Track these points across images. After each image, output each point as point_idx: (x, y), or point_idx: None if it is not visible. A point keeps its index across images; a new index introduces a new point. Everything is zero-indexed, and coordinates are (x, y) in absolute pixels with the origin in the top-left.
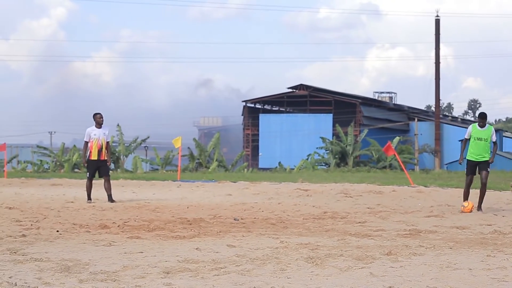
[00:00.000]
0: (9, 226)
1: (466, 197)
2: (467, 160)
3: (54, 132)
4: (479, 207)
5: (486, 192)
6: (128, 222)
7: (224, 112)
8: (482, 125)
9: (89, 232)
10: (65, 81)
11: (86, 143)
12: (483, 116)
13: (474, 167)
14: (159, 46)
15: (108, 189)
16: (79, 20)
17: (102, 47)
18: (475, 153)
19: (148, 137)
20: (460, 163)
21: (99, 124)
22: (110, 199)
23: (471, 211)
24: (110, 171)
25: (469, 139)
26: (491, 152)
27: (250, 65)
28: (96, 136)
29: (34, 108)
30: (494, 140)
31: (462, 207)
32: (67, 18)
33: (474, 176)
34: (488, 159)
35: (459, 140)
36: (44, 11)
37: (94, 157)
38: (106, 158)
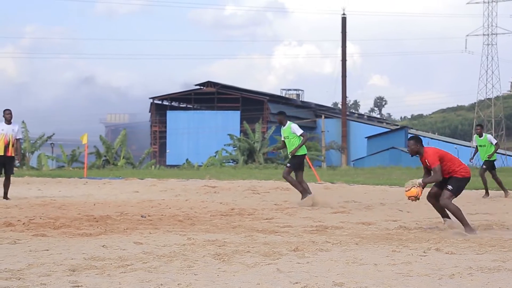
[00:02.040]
0: None
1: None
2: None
3: None
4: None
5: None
6: (33, 220)
7: (131, 109)
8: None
9: None
10: None
11: None
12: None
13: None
14: (63, 42)
15: (6, 186)
16: None
17: (6, 43)
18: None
19: (54, 134)
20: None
21: (7, 120)
22: (6, 197)
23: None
24: (16, 168)
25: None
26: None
27: (156, 62)
28: (4, 131)
29: None
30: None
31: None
32: None
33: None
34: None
35: (366, 137)
36: None
37: (0, 152)
38: (12, 154)
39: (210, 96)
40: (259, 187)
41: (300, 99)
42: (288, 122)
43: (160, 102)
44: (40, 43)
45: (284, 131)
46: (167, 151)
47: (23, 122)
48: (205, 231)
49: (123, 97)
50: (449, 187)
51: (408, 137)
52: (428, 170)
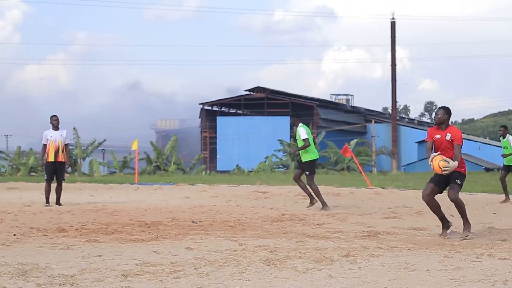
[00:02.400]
0: None
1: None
2: None
3: (10, 135)
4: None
5: None
6: (86, 226)
7: (181, 114)
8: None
9: (47, 235)
10: (21, 84)
11: (44, 145)
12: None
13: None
14: (115, 49)
15: (58, 192)
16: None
17: (58, 50)
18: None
19: (105, 140)
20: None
21: (55, 127)
22: (58, 202)
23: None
24: (67, 175)
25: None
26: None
27: (204, 68)
28: (53, 138)
29: None
30: None
31: None
32: (21, 21)
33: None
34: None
35: (416, 142)
36: None
37: (51, 159)
38: (63, 160)
39: (260, 102)
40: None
41: (350, 104)
42: (300, 125)
43: (209, 108)
44: (91, 50)
45: (296, 134)
46: (218, 156)
47: (74, 128)
48: (256, 237)
49: (172, 103)
50: (458, 181)
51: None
52: (436, 148)
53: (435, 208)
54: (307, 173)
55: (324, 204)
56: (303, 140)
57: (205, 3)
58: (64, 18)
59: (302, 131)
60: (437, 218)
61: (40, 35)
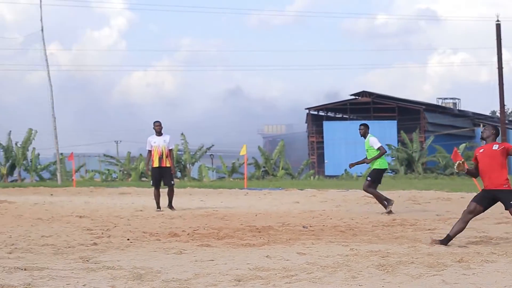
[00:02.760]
0: (80, 235)
1: None
2: None
3: (120, 141)
4: None
5: None
6: (197, 230)
7: (285, 119)
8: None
9: (159, 240)
10: (127, 90)
11: (149, 151)
12: None
13: None
14: (218, 55)
15: (170, 196)
16: (139, 30)
17: (163, 56)
18: None
19: (213, 145)
20: None
21: (158, 132)
22: (170, 206)
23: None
24: (177, 179)
25: None
26: None
27: (311, 72)
28: (156, 143)
29: (99, 117)
30: None
31: None
32: (127, 28)
33: None
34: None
35: None
36: (105, 21)
37: (155, 164)
38: (168, 165)
39: (366, 106)
40: (419, 197)
41: (457, 108)
42: (369, 134)
43: (315, 112)
44: (195, 56)
45: (365, 143)
46: (325, 161)
47: (182, 134)
48: (367, 242)
49: (275, 108)
50: None
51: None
52: (480, 166)
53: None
54: (369, 178)
55: (389, 204)
56: (379, 148)
57: (308, 8)
58: (168, 24)
59: (375, 140)
60: None
61: (145, 42)
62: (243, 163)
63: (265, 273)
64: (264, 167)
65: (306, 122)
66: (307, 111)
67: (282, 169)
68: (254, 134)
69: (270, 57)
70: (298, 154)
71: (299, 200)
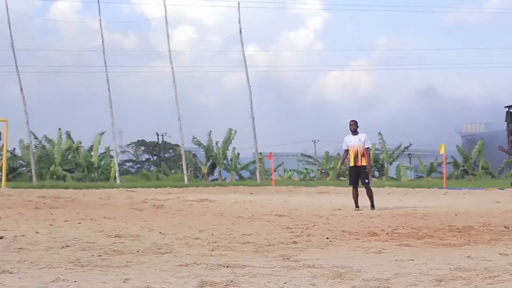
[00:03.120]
0: (280, 233)
1: None
2: None
3: (318, 140)
4: None
5: None
6: (396, 230)
7: (482, 118)
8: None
9: (358, 239)
10: (323, 90)
11: (345, 150)
12: None
13: None
14: (414, 53)
15: (369, 196)
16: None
17: (360, 56)
18: None
19: (411, 145)
20: None
21: (352, 131)
22: (371, 206)
23: None
24: (374, 179)
25: None
26: None
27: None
28: (351, 143)
29: (295, 116)
30: None
31: None
32: (323, 28)
33: None
34: None
35: None
36: (301, 22)
37: (351, 163)
38: (363, 164)
39: None
40: None
41: None
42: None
43: None
44: (391, 55)
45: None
46: None
47: (379, 133)
48: None
49: (472, 106)
50: None
51: None
52: None
53: None
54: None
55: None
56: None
57: (506, 4)
58: (365, 24)
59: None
60: None
61: (342, 41)
62: (442, 162)
63: (467, 273)
64: (463, 166)
65: (505, 121)
66: (506, 109)
67: (481, 168)
68: (452, 133)
69: (466, 55)
70: (499, 153)
71: (499, 199)
